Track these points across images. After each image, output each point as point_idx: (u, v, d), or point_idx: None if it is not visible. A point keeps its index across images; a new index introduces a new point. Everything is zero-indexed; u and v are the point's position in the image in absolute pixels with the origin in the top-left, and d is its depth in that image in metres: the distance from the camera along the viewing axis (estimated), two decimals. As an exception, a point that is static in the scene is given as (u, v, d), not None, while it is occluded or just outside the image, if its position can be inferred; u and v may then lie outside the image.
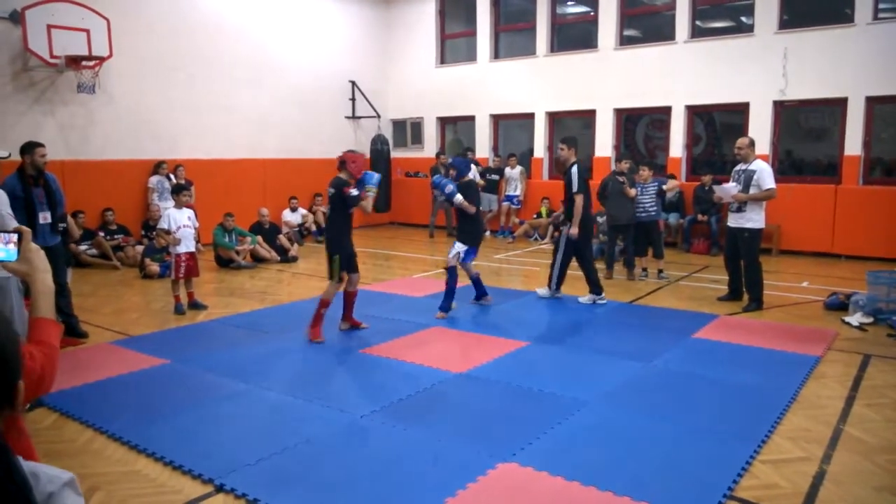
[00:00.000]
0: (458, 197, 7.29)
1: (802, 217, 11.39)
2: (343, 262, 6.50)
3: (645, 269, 9.58)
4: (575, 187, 7.69)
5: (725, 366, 5.65)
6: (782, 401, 4.83)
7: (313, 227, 13.93)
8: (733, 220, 7.78)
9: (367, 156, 7.05)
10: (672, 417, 4.55)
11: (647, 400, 4.91)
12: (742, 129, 12.00)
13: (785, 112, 12.02)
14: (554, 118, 14.46)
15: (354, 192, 6.37)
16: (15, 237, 1.63)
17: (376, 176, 6.62)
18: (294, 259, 11.33)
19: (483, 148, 15.16)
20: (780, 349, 6.10)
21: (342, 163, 6.49)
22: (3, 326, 1.24)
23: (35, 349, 1.59)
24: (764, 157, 11.04)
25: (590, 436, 4.28)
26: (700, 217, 12.01)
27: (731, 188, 7.69)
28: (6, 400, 1.22)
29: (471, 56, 15.40)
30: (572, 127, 14.92)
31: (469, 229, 7.56)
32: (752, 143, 7.83)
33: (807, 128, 12.71)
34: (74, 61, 10.37)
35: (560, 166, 8.20)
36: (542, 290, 8.30)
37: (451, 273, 7.35)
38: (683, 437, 4.23)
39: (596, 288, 7.95)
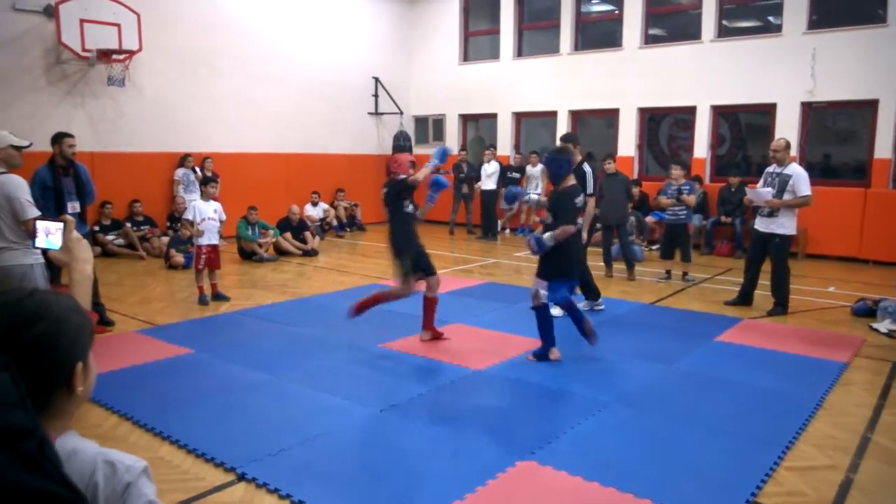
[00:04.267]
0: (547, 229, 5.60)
1: (830, 221, 11.23)
2: (410, 262, 6.04)
3: (668, 272, 9.50)
4: (590, 189, 7.05)
5: (749, 370, 5.59)
6: (808, 407, 4.77)
7: (334, 222, 14.00)
8: (763, 225, 7.55)
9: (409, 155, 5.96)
10: (694, 420, 4.52)
11: (669, 402, 4.88)
12: (768, 130, 11.88)
13: (813, 114, 11.87)
14: (577, 117, 14.40)
15: (420, 174, 6.05)
16: (60, 226, 1.67)
17: (442, 181, 6.15)
18: (315, 253, 11.39)
19: (505, 146, 15.14)
20: (805, 354, 6.02)
21: (388, 168, 6.29)
22: (63, 306, 1.24)
23: None
24: (793, 160, 10.94)
25: (610, 436, 4.26)
26: (724, 219, 11.90)
27: (765, 193, 7.43)
28: (62, 381, 1.21)
29: (494, 54, 15.37)
30: (595, 126, 14.87)
31: (556, 258, 5.58)
32: (787, 146, 7.56)
33: (835, 130, 12.56)
34: (105, 55, 10.51)
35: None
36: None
37: (539, 314, 5.74)
38: (706, 440, 4.20)
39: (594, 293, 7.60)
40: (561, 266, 5.62)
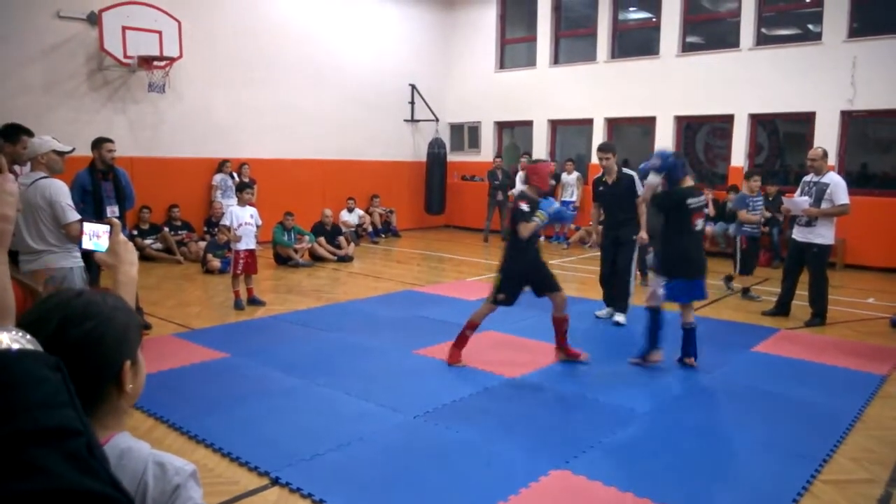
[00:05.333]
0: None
1: (869, 231, 11.02)
2: (507, 283, 5.66)
3: (747, 289, 9.02)
4: (640, 191, 6.96)
5: (786, 381, 5.51)
6: (845, 420, 4.69)
7: (369, 228, 14.09)
8: (801, 235, 7.46)
9: (551, 165, 5.60)
10: (730, 432, 4.47)
11: (705, 413, 4.84)
12: (807, 138, 11.70)
13: (853, 122, 11.65)
14: (613, 125, 14.32)
15: (525, 207, 5.56)
16: (107, 229, 1.71)
17: (554, 205, 5.69)
18: (350, 259, 11.47)
19: (540, 153, 15.10)
20: (843, 366, 5.92)
21: (526, 177, 5.95)
22: (110, 305, 1.28)
23: None
24: (830, 169, 10.80)
25: (645, 447, 4.23)
26: (761, 228, 11.69)
27: (802, 202, 7.36)
28: (111, 378, 1.24)
29: (530, 61, 15.36)
30: (631, 134, 14.77)
31: (669, 251, 5.67)
32: (825, 155, 7.48)
33: (875, 139, 12.32)
34: (146, 61, 10.71)
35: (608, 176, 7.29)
36: (621, 317, 7.34)
37: (650, 314, 5.75)
38: (741, 452, 4.16)
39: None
40: (677, 262, 5.59)
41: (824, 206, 7.25)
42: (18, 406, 0.65)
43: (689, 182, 5.69)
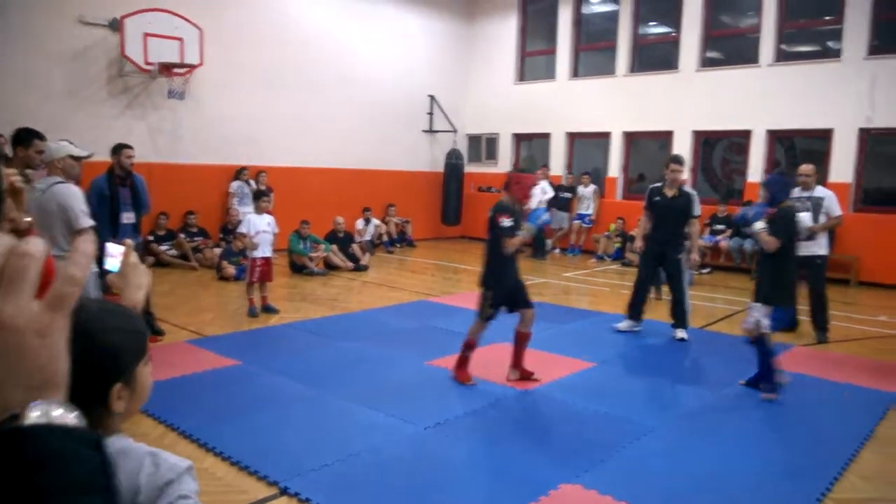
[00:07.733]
0: (758, 224, 5.37)
1: (885, 248, 10.92)
2: (498, 298, 5.51)
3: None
4: (697, 211, 7.32)
5: (798, 398, 5.44)
6: (857, 438, 4.64)
7: (385, 238, 14.11)
8: (804, 249, 7.40)
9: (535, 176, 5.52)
10: (740, 448, 4.43)
11: (716, 429, 4.79)
12: (824, 155, 11.63)
13: (871, 140, 11.57)
14: (631, 138, 14.28)
15: (507, 222, 5.39)
16: (122, 250, 1.65)
17: (544, 217, 5.70)
18: (365, 268, 11.49)
19: (557, 166, 15.09)
20: (855, 383, 5.86)
21: (507, 184, 5.71)
22: (107, 320, 1.22)
23: None
24: (846, 186, 10.77)
25: (656, 462, 4.20)
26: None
27: (805, 218, 7.37)
28: (98, 399, 1.18)
29: (550, 73, 15.38)
30: (649, 148, 14.73)
31: (770, 278, 5.42)
32: (815, 171, 7.74)
33: (893, 157, 12.21)
34: (167, 68, 10.80)
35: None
36: (682, 332, 7.26)
37: (759, 344, 5.42)
38: (751, 468, 4.12)
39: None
40: (785, 289, 5.38)
41: (822, 219, 7.44)
42: (47, 488, 0.59)
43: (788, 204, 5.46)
